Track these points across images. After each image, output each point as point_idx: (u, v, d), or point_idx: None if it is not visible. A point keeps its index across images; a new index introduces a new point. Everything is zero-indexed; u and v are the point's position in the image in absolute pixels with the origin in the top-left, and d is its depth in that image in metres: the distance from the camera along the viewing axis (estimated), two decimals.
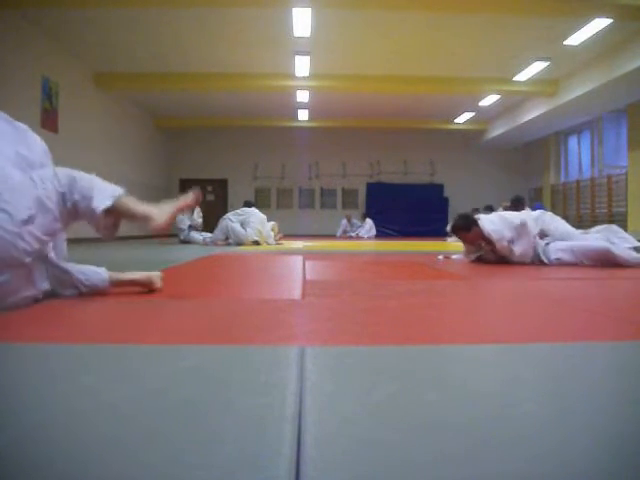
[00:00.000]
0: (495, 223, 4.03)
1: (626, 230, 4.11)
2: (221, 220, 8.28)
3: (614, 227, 4.03)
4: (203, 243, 8.41)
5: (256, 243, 7.80)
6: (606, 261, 3.70)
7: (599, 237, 3.94)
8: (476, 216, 4.15)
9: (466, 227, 4.07)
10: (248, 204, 8.71)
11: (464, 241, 4.23)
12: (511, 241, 3.96)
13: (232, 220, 8.10)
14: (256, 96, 12.07)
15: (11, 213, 1.62)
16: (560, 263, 3.87)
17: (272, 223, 8.66)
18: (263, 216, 8.33)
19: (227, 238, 8.12)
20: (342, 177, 16.60)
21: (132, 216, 1.94)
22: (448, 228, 10.95)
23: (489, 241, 4.01)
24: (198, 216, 9.67)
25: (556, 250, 3.93)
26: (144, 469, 0.64)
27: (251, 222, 7.99)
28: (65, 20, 7.88)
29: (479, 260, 4.16)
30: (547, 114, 11.67)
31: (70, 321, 1.65)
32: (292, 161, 16.31)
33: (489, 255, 4.10)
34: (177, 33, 8.49)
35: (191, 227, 9.35)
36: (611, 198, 11.92)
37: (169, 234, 9.70)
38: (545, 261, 3.94)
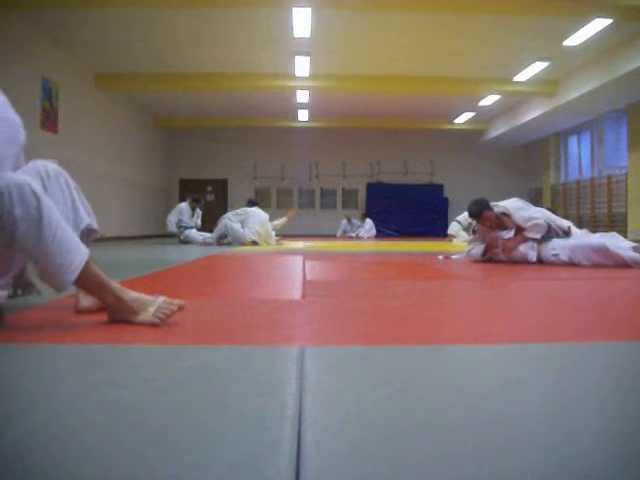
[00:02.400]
0: (510, 201, 4.14)
1: (626, 230, 4.13)
2: (220, 219, 8.27)
3: (615, 234, 4.03)
4: (202, 243, 8.40)
5: (254, 243, 7.80)
6: (602, 258, 3.69)
7: (597, 236, 3.95)
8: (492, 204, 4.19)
9: (477, 211, 4.10)
10: (251, 203, 8.62)
11: (479, 229, 4.25)
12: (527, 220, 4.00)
13: (231, 219, 8.08)
14: (256, 96, 12.07)
15: None
16: (556, 261, 3.88)
17: (283, 220, 8.95)
18: (265, 216, 8.23)
19: (225, 237, 8.11)
20: (342, 177, 16.60)
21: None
22: (449, 231, 10.95)
23: (500, 226, 4.05)
24: (197, 217, 9.68)
25: (552, 247, 3.94)
26: (144, 469, 0.64)
27: (249, 222, 7.98)
28: (65, 20, 7.88)
29: (484, 260, 4.15)
30: (547, 114, 11.67)
31: (69, 322, 1.65)
32: (292, 161, 16.31)
33: (496, 250, 4.09)
34: (177, 33, 8.48)
35: (186, 227, 9.35)
36: (611, 198, 11.92)
37: (168, 234, 9.70)
38: (533, 258, 3.94)
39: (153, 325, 1.50)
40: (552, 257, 3.91)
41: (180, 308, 1.55)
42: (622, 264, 3.63)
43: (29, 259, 1.54)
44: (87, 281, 1.55)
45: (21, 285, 1.80)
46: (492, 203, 4.19)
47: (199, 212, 9.82)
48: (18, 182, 1.43)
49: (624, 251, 3.69)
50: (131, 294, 1.58)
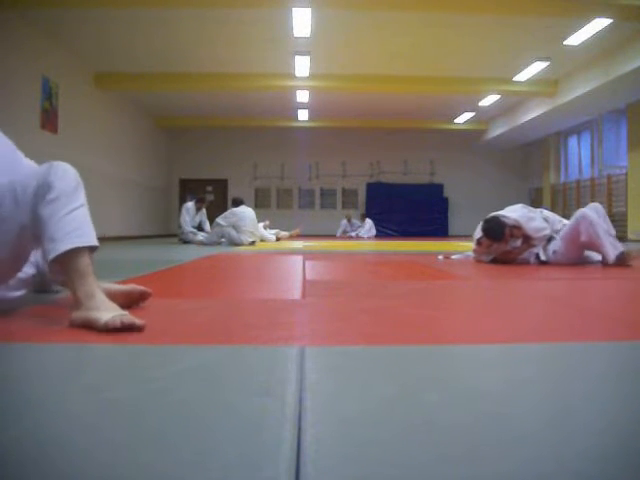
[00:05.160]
0: (516, 210, 4.08)
1: (626, 230, 4.12)
2: (214, 225, 8.29)
3: (598, 205, 3.96)
4: (199, 243, 8.40)
5: (252, 244, 7.89)
6: (585, 233, 3.70)
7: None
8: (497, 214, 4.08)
9: (502, 233, 3.92)
10: (236, 203, 8.61)
11: (483, 242, 4.14)
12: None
13: (223, 225, 8.07)
14: (256, 96, 12.07)
15: None
16: (556, 257, 3.89)
17: (285, 234, 9.32)
18: (253, 214, 8.34)
19: (222, 237, 8.13)
20: (342, 177, 16.61)
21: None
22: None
23: (515, 238, 4.01)
24: (204, 220, 9.67)
25: (554, 249, 3.95)
26: (143, 469, 0.64)
27: (242, 226, 7.99)
28: (65, 20, 7.88)
29: (493, 261, 4.11)
30: (547, 114, 11.67)
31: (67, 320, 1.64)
32: (292, 161, 16.31)
33: (506, 254, 4.06)
34: (177, 33, 8.49)
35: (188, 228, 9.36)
36: (611, 198, 11.93)
37: (168, 234, 9.69)
38: (543, 258, 3.94)
39: (106, 330, 1.40)
40: (552, 255, 3.93)
41: (139, 329, 1.43)
42: (597, 243, 3.66)
43: (38, 232, 1.57)
44: (73, 265, 1.53)
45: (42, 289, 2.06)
46: (496, 214, 4.08)
47: (204, 212, 9.80)
48: (64, 164, 1.65)
49: (604, 234, 3.68)
50: (104, 297, 1.53)
